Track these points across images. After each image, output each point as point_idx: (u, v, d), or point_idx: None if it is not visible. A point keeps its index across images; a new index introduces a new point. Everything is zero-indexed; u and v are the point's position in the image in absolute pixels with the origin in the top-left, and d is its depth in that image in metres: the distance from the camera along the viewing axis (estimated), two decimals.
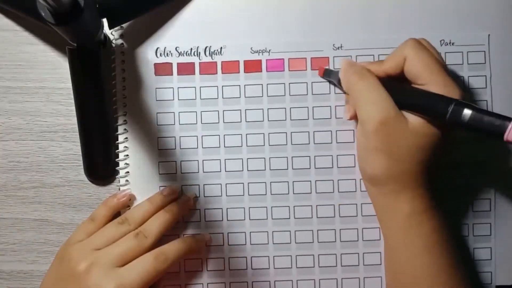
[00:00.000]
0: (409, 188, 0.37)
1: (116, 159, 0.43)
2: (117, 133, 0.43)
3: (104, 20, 0.40)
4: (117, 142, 0.43)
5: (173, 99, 0.43)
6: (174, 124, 0.43)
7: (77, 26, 0.34)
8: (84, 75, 0.42)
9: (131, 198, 0.43)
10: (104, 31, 0.41)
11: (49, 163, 0.44)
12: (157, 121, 0.43)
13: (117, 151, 0.43)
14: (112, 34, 0.43)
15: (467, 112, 0.34)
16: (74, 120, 0.43)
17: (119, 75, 0.43)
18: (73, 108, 0.43)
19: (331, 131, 0.43)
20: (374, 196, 0.40)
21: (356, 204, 0.43)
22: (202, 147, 0.43)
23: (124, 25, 0.43)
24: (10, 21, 0.44)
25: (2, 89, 0.44)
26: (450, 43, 0.43)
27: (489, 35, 0.43)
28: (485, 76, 0.43)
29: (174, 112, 0.43)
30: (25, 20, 0.44)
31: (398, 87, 0.37)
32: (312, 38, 0.43)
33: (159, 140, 0.43)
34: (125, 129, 0.43)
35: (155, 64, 0.43)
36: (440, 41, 0.42)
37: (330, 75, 0.42)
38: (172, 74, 0.43)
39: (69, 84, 0.43)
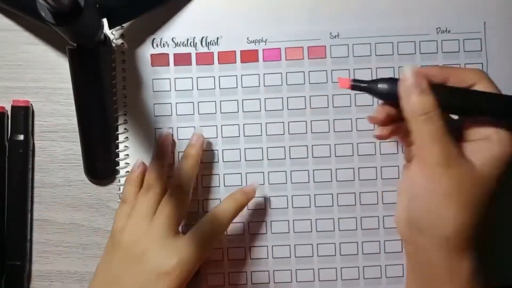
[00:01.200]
0: (473, 246, 0.31)
1: (116, 159, 0.43)
2: (117, 132, 0.43)
3: (104, 20, 0.40)
4: (117, 141, 0.43)
5: (170, 90, 0.43)
6: (171, 114, 0.43)
7: (77, 26, 0.34)
8: (84, 75, 0.42)
9: (144, 165, 0.42)
10: (104, 31, 0.41)
11: (49, 163, 0.44)
12: (154, 112, 0.43)
13: (117, 150, 0.43)
14: (112, 33, 0.43)
15: None
16: (74, 120, 0.43)
17: (119, 75, 0.43)
18: (73, 108, 0.43)
19: (328, 120, 0.43)
20: (434, 257, 0.32)
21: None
22: None
23: (124, 25, 0.43)
24: (10, 21, 0.44)
25: (2, 89, 0.44)
26: (446, 30, 0.43)
27: (485, 22, 0.43)
28: (482, 63, 0.43)
29: (171, 103, 0.43)
30: (25, 20, 0.43)
31: (460, 91, 0.33)
32: (308, 27, 0.43)
33: (156, 131, 0.43)
34: (125, 129, 0.43)
35: (151, 55, 0.43)
36: (436, 29, 0.42)
37: (362, 88, 0.34)
38: (168, 65, 0.43)
39: (69, 84, 0.43)
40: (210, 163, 0.43)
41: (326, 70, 0.43)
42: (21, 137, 0.43)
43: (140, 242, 0.38)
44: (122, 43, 0.43)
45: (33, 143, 0.44)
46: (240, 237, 0.43)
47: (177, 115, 0.43)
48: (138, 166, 0.42)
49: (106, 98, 0.43)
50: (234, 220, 0.42)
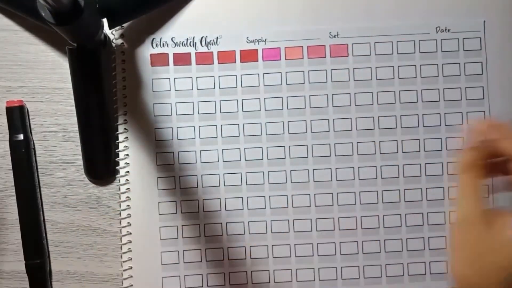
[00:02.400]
0: None
1: (116, 159, 0.43)
2: (117, 132, 0.43)
3: (104, 20, 0.40)
4: (117, 141, 0.43)
5: (170, 90, 0.43)
6: (171, 114, 0.43)
7: (77, 26, 0.34)
8: (84, 75, 0.42)
9: None
10: (104, 31, 0.41)
11: (49, 163, 0.44)
12: (154, 112, 0.43)
13: (117, 150, 0.43)
14: (112, 33, 0.43)
15: None
16: (74, 120, 0.43)
17: (119, 75, 0.43)
18: (73, 108, 0.43)
19: (328, 119, 0.43)
20: None
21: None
22: (200, 138, 0.43)
23: (124, 25, 0.43)
24: (10, 21, 0.44)
25: (2, 89, 0.44)
26: (445, 29, 0.43)
27: (484, 21, 0.43)
28: (481, 62, 0.43)
29: (170, 103, 0.43)
30: (25, 20, 0.44)
31: None
32: (308, 27, 0.43)
33: (156, 131, 0.43)
34: (125, 129, 0.43)
35: (151, 54, 0.43)
36: (436, 28, 0.42)
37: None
38: (168, 65, 0.43)
39: (69, 84, 0.43)
40: (210, 162, 0.43)
41: (325, 70, 0.43)
42: (21, 136, 0.43)
43: None
44: (122, 43, 0.43)
45: (33, 142, 0.44)
46: (240, 237, 0.43)
47: (177, 115, 0.43)
48: None
49: (106, 98, 0.43)
50: (234, 220, 0.42)
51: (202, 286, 0.43)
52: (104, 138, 0.43)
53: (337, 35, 0.43)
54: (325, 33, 0.43)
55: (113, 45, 0.43)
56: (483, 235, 0.32)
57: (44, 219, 0.44)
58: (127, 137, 0.43)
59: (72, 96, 0.43)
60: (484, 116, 0.43)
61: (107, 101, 0.43)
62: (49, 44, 0.44)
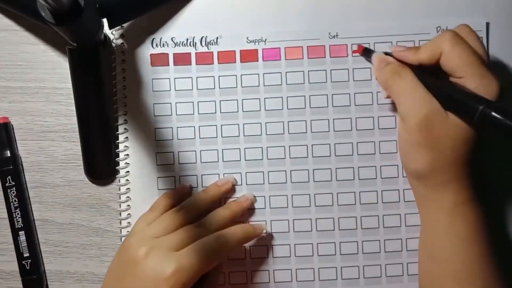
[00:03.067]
0: (454, 179, 0.37)
1: (116, 159, 0.43)
2: (117, 132, 0.43)
3: (104, 20, 0.40)
4: (117, 141, 0.43)
5: (170, 90, 0.43)
6: (171, 114, 0.43)
7: (77, 26, 0.35)
8: (84, 75, 0.42)
9: (191, 188, 0.43)
10: (104, 31, 0.41)
11: (49, 163, 0.44)
12: (154, 112, 0.43)
13: (117, 150, 0.43)
14: (112, 33, 0.43)
15: (495, 115, 0.33)
16: (74, 120, 0.43)
17: (119, 75, 0.43)
18: (73, 108, 0.43)
19: (328, 119, 0.43)
20: (418, 189, 0.40)
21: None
22: (200, 138, 0.43)
23: (124, 25, 0.43)
24: (10, 21, 0.44)
25: (2, 89, 0.44)
26: (446, 29, 0.42)
27: (487, 22, 0.42)
28: None
29: (170, 103, 0.43)
30: (25, 20, 0.44)
31: (431, 81, 0.37)
32: (308, 27, 0.43)
33: (156, 131, 0.43)
34: (125, 129, 0.43)
35: (151, 54, 0.43)
36: (436, 27, 0.42)
37: (368, 55, 0.41)
38: (168, 65, 0.43)
39: (69, 84, 0.43)
40: (210, 162, 0.43)
41: (325, 70, 0.43)
42: (8, 153, 0.43)
43: (145, 246, 0.37)
44: (122, 43, 0.43)
45: (21, 158, 0.44)
46: None
47: (177, 115, 0.43)
48: (183, 187, 0.42)
49: (106, 98, 0.43)
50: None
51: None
52: (104, 138, 0.43)
53: (337, 35, 0.42)
54: (325, 33, 0.43)
55: (113, 45, 0.43)
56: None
57: (37, 235, 0.44)
58: (127, 137, 0.43)
59: (72, 96, 0.43)
60: None
61: (107, 101, 0.43)
62: (49, 44, 0.44)
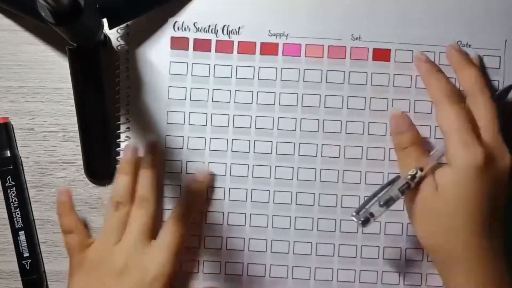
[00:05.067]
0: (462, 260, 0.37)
1: (117, 158, 0.43)
2: (119, 131, 0.43)
3: (104, 20, 0.40)
4: (118, 141, 0.43)
5: (187, 74, 0.43)
6: (185, 99, 0.43)
7: (77, 26, 0.34)
8: (84, 75, 0.42)
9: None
10: (104, 31, 0.41)
11: (49, 163, 0.44)
12: (168, 95, 0.43)
13: (117, 149, 0.43)
14: (118, 31, 0.43)
15: None
16: (74, 120, 0.43)
17: (122, 74, 0.43)
18: (73, 108, 0.43)
19: (341, 121, 0.43)
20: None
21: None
22: (211, 125, 0.43)
23: (128, 24, 0.42)
24: (10, 21, 0.44)
25: (2, 89, 0.44)
26: (466, 44, 0.43)
27: (506, 40, 0.43)
28: (498, 81, 0.43)
29: (186, 88, 0.43)
30: (25, 20, 0.43)
31: None
32: (331, 26, 0.43)
33: (168, 113, 0.43)
34: (127, 128, 0.43)
35: (171, 37, 0.43)
36: (458, 41, 0.42)
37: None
38: (188, 49, 0.43)
39: (69, 84, 0.43)
40: (219, 151, 0.43)
41: (344, 71, 0.43)
42: (8, 153, 0.43)
43: (117, 256, 0.39)
44: (126, 43, 0.43)
45: (21, 158, 0.44)
46: (240, 228, 0.43)
47: (191, 100, 0.43)
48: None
49: (106, 98, 0.43)
50: (237, 211, 0.42)
51: (198, 272, 0.43)
52: (104, 138, 0.43)
53: (360, 37, 0.42)
54: (348, 35, 0.43)
55: (118, 44, 0.43)
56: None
57: (37, 235, 0.44)
58: (128, 137, 0.43)
59: (72, 96, 0.43)
60: None
61: (107, 101, 0.43)
62: (49, 44, 0.44)
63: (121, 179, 0.41)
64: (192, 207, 0.42)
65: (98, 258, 0.39)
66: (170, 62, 0.43)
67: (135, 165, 0.42)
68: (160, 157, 0.42)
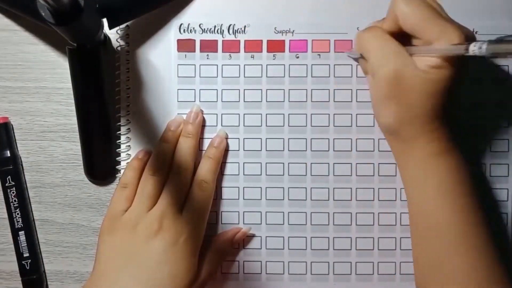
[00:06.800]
0: (424, 132, 0.37)
1: (117, 158, 0.43)
2: (119, 132, 0.43)
3: (104, 20, 0.40)
4: (118, 141, 0.43)
5: (195, 76, 0.43)
6: (195, 101, 0.43)
7: (77, 26, 0.34)
8: (84, 75, 0.42)
9: (148, 154, 0.42)
10: (104, 31, 0.41)
11: (49, 163, 0.44)
12: (178, 98, 0.43)
13: (117, 150, 0.43)
14: (117, 32, 0.43)
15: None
16: (74, 120, 0.43)
17: (123, 75, 0.43)
18: (73, 108, 0.43)
19: (351, 114, 0.43)
20: (392, 144, 0.40)
21: (373, 188, 0.43)
22: (221, 125, 0.43)
23: (129, 25, 0.43)
24: (10, 21, 0.44)
25: (2, 89, 0.44)
26: (473, 31, 0.42)
27: None
28: (507, 66, 0.43)
29: (194, 89, 0.43)
30: (25, 20, 0.43)
31: None
32: (336, 20, 0.43)
33: (178, 116, 0.43)
34: (128, 129, 0.43)
35: (178, 40, 0.43)
36: (473, 29, 0.42)
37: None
38: (194, 51, 0.43)
39: (69, 84, 0.43)
40: (231, 151, 0.43)
41: (351, 65, 0.43)
42: (8, 153, 0.43)
43: (151, 220, 0.39)
44: (127, 43, 0.43)
45: (21, 158, 0.44)
46: (256, 227, 0.43)
47: (200, 101, 0.43)
48: (142, 154, 0.42)
49: (106, 98, 0.43)
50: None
51: (216, 273, 0.43)
52: (104, 138, 0.43)
53: None
54: (353, 28, 0.43)
55: (118, 44, 0.43)
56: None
57: (37, 235, 0.44)
58: (129, 137, 0.43)
59: (72, 96, 0.43)
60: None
61: (107, 101, 0.43)
62: (49, 44, 0.44)
63: (163, 146, 0.41)
64: (215, 175, 0.42)
65: (133, 221, 0.39)
66: (178, 65, 0.43)
67: (177, 135, 0.42)
68: (200, 128, 0.42)
